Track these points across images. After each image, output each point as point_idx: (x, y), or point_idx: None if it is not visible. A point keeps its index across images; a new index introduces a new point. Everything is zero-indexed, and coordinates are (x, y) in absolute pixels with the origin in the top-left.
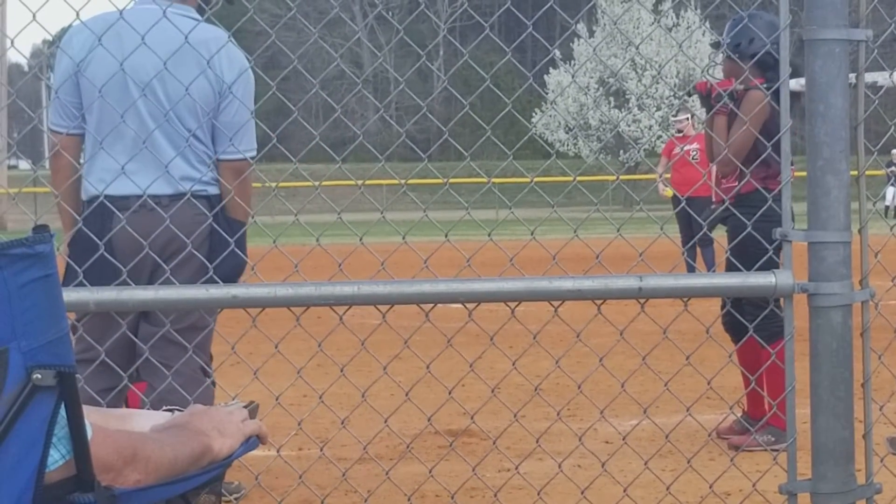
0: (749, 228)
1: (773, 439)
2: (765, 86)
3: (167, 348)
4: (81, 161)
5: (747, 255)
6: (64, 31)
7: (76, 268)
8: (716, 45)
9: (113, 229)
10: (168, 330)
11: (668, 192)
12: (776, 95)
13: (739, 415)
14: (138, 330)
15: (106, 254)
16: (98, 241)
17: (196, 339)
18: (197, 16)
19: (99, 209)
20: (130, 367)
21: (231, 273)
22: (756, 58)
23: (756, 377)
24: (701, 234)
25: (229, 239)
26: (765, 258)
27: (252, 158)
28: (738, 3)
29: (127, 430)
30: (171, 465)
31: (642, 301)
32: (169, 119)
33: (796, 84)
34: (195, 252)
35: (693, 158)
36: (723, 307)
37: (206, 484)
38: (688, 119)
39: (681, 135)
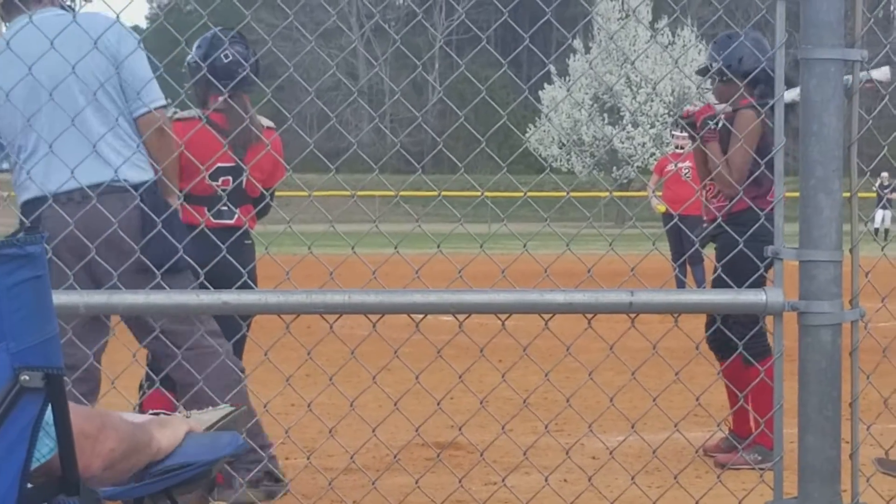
0: (741, 245)
1: (759, 458)
2: (757, 102)
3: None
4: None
5: (736, 274)
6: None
7: None
8: (703, 72)
9: (45, 226)
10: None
11: (661, 207)
12: (768, 112)
13: (727, 432)
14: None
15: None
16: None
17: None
18: (56, 8)
19: (32, 210)
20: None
21: (162, 259)
22: (751, 75)
23: (744, 394)
24: (692, 251)
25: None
26: (753, 277)
27: (160, 108)
28: (735, 21)
29: (90, 407)
30: (132, 437)
31: (632, 316)
32: (97, 106)
33: (792, 94)
34: (121, 245)
35: (685, 176)
36: (709, 326)
37: (191, 483)
38: (687, 137)
39: (681, 151)
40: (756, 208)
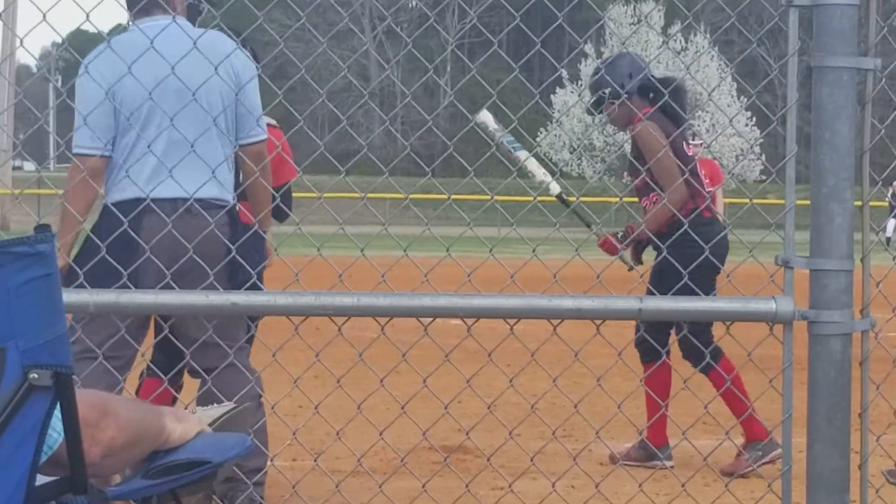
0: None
1: (759, 454)
2: (650, 112)
3: (212, 352)
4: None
5: (669, 280)
6: (73, 34)
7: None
8: (597, 104)
9: (142, 231)
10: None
11: None
12: (661, 114)
13: (741, 443)
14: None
15: (105, 256)
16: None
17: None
18: (186, 23)
19: (130, 210)
20: (130, 367)
21: (245, 275)
22: (656, 89)
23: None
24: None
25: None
26: (678, 285)
27: (263, 140)
28: (747, 27)
29: (96, 391)
30: (136, 426)
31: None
32: (208, 123)
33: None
34: (215, 259)
35: None
36: (638, 328)
37: (197, 484)
38: (701, 144)
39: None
40: (693, 209)
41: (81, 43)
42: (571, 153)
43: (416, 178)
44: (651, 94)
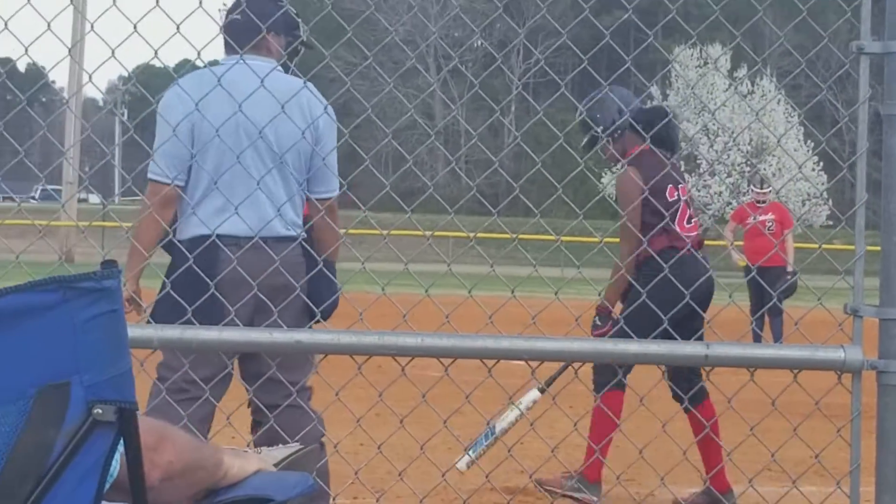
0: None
1: (577, 487)
2: (638, 151)
3: (277, 390)
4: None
5: (645, 319)
6: (140, 69)
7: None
8: (591, 143)
9: (220, 266)
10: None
11: (742, 262)
12: (653, 151)
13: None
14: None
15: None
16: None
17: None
18: (280, 67)
19: (205, 247)
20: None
21: (330, 311)
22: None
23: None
24: (771, 303)
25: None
26: (660, 328)
27: (336, 196)
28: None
29: (153, 419)
30: (194, 453)
31: (708, 368)
32: (280, 164)
33: None
34: (295, 290)
35: (768, 229)
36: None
37: None
38: (770, 191)
39: (763, 204)
40: (671, 249)
41: (148, 77)
42: None
43: (481, 217)
44: (642, 127)
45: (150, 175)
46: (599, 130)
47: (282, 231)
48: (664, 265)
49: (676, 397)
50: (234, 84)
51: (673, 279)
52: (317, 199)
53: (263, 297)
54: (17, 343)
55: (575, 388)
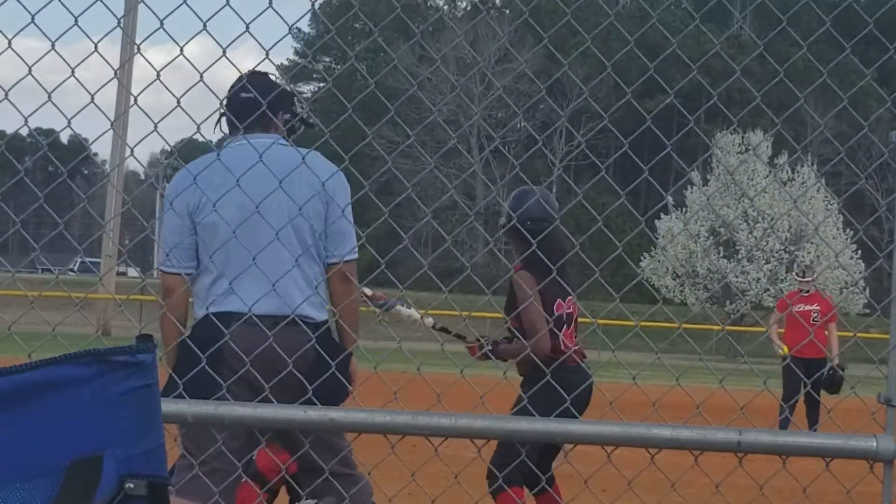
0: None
1: None
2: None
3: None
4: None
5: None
6: (182, 142)
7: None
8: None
9: (226, 342)
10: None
11: (784, 349)
12: (535, 265)
13: None
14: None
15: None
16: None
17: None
18: (284, 141)
19: (210, 326)
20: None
21: (334, 400)
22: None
23: None
24: (804, 392)
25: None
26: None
27: (353, 260)
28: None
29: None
30: None
31: (740, 455)
32: (294, 242)
33: None
34: (299, 375)
35: (813, 320)
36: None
37: None
38: (812, 280)
39: (807, 294)
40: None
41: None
42: (674, 280)
43: None
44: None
45: (158, 265)
46: (504, 221)
47: (288, 311)
48: (547, 371)
49: (533, 481)
50: (238, 164)
51: (557, 387)
52: (329, 264)
53: (257, 376)
54: (50, 415)
55: (608, 472)
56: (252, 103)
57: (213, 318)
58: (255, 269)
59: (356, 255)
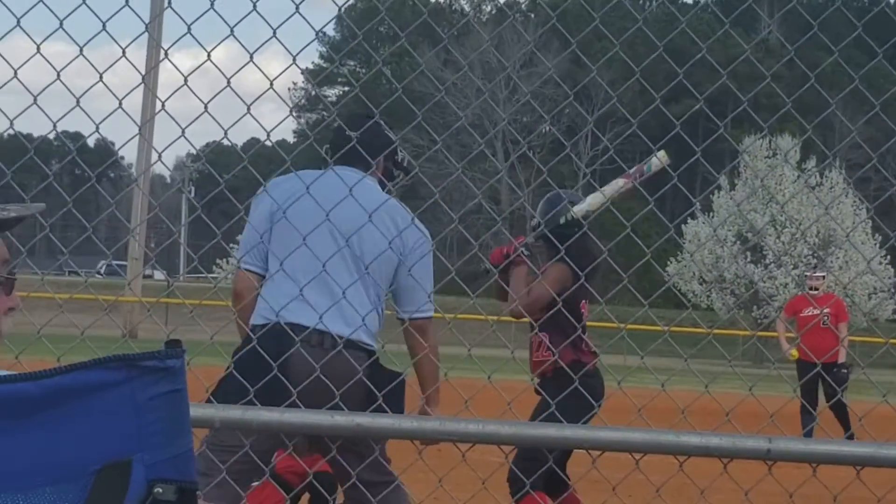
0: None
1: None
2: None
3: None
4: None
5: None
6: (209, 146)
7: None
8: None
9: (288, 354)
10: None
11: (795, 353)
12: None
13: None
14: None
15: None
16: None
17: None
18: (376, 184)
19: (274, 335)
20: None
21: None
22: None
23: None
24: (835, 399)
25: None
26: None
27: (430, 317)
28: (885, 165)
29: None
30: None
31: (770, 462)
32: (362, 270)
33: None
34: (351, 400)
35: (823, 323)
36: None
37: None
38: (823, 278)
39: (816, 293)
40: (578, 363)
41: (216, 156)
42: (701, 285)
43: None
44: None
45: (243, 265)
46: (534, 225)
47: (346, 331)
48: (574, 377)
49: (556, 486)
50: (328, 186)
51: (583, 391)
52: (410, 320)
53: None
54: (80, 420)
55: (636, 478)
56: (362, 144)
57: (275, 328)
58: (319, 287)
59: (427, 314)
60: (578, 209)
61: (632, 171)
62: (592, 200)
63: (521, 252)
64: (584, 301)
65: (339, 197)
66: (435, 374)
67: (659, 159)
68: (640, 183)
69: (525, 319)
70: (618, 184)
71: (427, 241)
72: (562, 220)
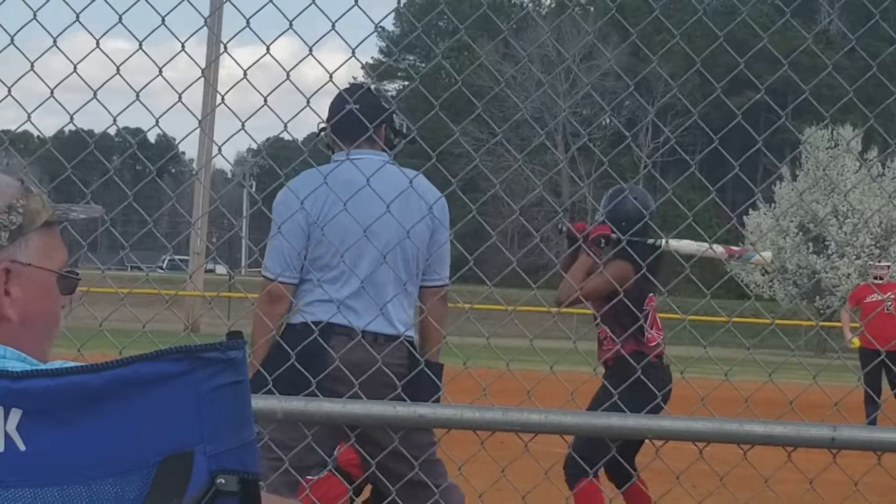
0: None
1: None
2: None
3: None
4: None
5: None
6: (269, 141)
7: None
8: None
9: (331, 353)
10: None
11: (856, 342)
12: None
13: None
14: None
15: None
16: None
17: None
18: (391, 160)
19: (317, 334)
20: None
21: None
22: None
23: None
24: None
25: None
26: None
27: (447, 284)
28: None
29: (279, 497)
30: None
31: (834, 451)
32: (400, 263)
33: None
34: (394, 392)
35: (887, 309)
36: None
37: None
38: (888, 267)
39: (881, 282)
40: (639, 353)
41: (277, 150)
42: (763, 276)
43: None
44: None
45: (262, 272)
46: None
47: (391, 330)
48: (637, 366)
49: (616, 478)
50: (351, 182)
51: (647, 382)
52: (429, 287)
53: (360, 393)
54: (143, 411)
55: (699, 467)
56: (351, 116)
57: (315, 327)
58: (356, 283)
59: (448, 282)
60: (674, 243)
61: (736, 249)
62: (688, 246)
63: (600, 242)
64: (651, 294)
65: (367, 191)
66: (440, 337)
67: (762, 258)
68: (729, 259)
69: (568, 310)
70: (717, 249)
71: (447, 210)
72: (651, 241)
